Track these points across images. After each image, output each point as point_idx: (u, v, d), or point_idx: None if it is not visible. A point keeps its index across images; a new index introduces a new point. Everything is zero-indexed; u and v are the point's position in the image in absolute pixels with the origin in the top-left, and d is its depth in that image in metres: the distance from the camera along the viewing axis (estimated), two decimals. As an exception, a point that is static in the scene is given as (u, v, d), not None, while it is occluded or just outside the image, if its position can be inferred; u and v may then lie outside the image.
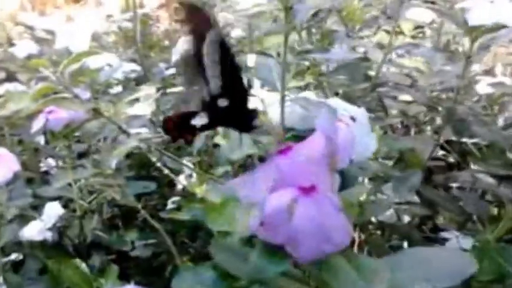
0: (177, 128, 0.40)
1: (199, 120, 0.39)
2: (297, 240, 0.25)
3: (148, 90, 0.61)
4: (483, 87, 0.63)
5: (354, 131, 0.36)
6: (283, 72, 0.39)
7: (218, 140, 0.48)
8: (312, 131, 0.28)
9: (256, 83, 0.51)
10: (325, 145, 0.26)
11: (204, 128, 0.39)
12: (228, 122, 0.40)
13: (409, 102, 0.64)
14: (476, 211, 0.53)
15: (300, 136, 0.37)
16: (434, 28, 0.66)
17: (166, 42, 1.43)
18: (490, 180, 0.53)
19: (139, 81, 1.03)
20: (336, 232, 0.26)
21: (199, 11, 0.36)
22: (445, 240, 0.61)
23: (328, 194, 0.26)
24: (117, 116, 0.60)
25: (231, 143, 0.41)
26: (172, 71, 1.04)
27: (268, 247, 0.26)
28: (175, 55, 0.83)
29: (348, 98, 0.55)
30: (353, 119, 0.38)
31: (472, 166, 0.56)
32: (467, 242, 0.65)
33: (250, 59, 0.43)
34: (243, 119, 0.39)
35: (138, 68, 1.07)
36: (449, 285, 0.26)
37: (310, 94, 0.44)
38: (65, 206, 0.68)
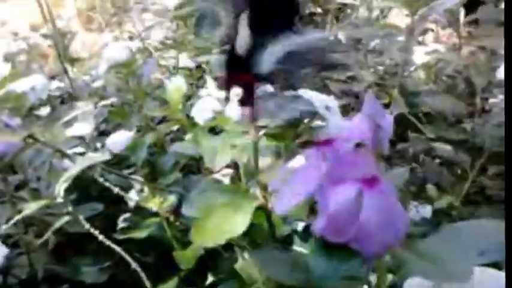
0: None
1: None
2: (365, 235, 0.24)
3: (85, 108, 0.57)
4: (419, 56, 0.64)
5: (332, 119, 0.35)
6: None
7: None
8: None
9: (211, 83, 0.49)
10: (374, 132, 0.24)
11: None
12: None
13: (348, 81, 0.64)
14: (437, 178, 0.54)
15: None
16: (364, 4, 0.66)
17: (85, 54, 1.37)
18: (447, 147, 0.54)
19: (65, 98, 0.97)
20: (400, 222, 0.25)
21: None
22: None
23: (388, 184, 0.24)
24: (56, 140, 0.56)
25: (208, 152, 0.38)
26: (99, 83, 0.99)
27: (326, 248, 0.25)
28: (103, 65, 0.79)
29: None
30: (328, 108, 0.37)
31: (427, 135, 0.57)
32: (427, 211, 0.67)
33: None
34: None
35: (61, 84, 1.01)
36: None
37: (268, 87, 0.42)
38: (5, 243, 0.62)
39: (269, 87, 0.42)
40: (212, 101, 0.48)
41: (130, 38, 1.41)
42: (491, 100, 0.64)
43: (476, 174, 0.52)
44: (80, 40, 1.54)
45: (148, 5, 1.59)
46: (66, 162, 0.60)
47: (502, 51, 0.59)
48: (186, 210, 0.42)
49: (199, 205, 0.42)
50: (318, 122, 0.39)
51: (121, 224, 0.64)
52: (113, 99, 0.85)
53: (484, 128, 0.56)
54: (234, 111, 0.44)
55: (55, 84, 0.98)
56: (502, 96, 0.59)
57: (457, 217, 0.59)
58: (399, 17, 0.74)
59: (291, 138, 0.40)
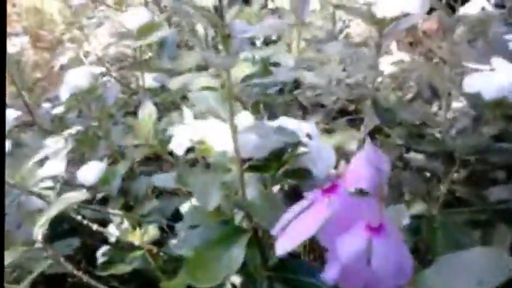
0: None
1: None
2: (376, 280, 0.25)
3: (56, 145, 0.55)
4: (385, 67, 0.65)
5: (314, 146, 0.35)
6: (229, 99, 0.36)
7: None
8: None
9: (189, 114, 0.48)
10: (375, 177, 0.25)
11: None
12: None
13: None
14: (414, 188, 0.55)
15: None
16: (327, 17, 0.67)
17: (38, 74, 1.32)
18: (419, 156, 0.56)
19: (22, 127, 0.94)
20: (407, 264, 0.25)
21: None
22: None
23: (393, 229, 0.25)
24: (26, 181, 0.54)
25: (199, 191, 0.37)
26: (60, 109, 0.96)
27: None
28: (65, 91, 0.76)
29: (270, 106, 0.54)
30: (309, 136, 0.37)
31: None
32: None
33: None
34: None
35: (18, 112, 0.98)
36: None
37: (246, 115, 0.42)
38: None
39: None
40: (189, 130, 0.47)
41: (86, 56, 1.38)
42: (454, 104, 0.66)
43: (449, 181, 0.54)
44: (31, 60, 1.49)
45: (102, 19, 1.56)
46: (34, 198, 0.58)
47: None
48: (176, 249, 0.41)
49: (189, 241, 0.42)
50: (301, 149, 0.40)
51: (100, 259, 0.63)
52: (76, 127, 0.82)
53: (451, 134, 0.58)
54: (217, 139, 0.44)
55: (11, 113, 0.94)
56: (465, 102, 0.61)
57: (437, 222, 0.60)
58: (361, 26, 0.76)
59: (276, 168, 0.40)
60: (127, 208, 0.70)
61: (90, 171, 0.68)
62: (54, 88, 1.07)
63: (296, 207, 0.27)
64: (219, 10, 0.33)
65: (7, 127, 0.75)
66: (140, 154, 0.66)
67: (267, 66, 0.45)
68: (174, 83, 0.43)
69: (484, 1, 0.66)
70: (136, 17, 0.74)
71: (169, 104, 0.82)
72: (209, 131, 0.44)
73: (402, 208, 0.31)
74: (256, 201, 0.39)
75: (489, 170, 0.60)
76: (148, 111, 0.66)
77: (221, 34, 0.34)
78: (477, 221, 0.54)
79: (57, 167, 0.54)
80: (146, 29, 0.74)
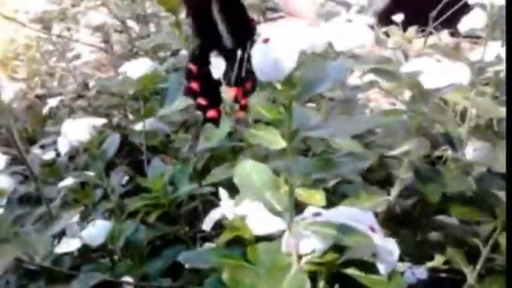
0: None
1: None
2: None
3: (70, 219, 0.51)
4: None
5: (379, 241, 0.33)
6: (290, 197, 0.33)
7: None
8: None
9: (225, 195, 0.45)
10: None
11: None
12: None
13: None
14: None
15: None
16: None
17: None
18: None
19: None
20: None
21: None
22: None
23: None
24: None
25: None
26: (51, 154, 0.91)
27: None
28: (64, 144, 0.71)
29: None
30: (372, 228, 0.35)
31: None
32: (421, 272, 0.66)
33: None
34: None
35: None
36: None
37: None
38: None
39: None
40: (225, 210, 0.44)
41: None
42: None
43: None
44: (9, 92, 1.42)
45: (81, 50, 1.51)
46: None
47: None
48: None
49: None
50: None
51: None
52: (72, 178, 0.77)
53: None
54: (258, 221, 0.41)
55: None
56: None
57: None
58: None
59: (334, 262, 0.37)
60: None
61: (96, 232, 0.63)
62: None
63: None
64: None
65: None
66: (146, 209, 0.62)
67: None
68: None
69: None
70: (138, 66, 0.71)
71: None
72: (252, 213, 0.41)
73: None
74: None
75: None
76: (158, 169, 0.62)
77: (288, 131, 0.31)
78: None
79: (73, 244, 0.49)
80: (147, 80, 0.71)
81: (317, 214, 0.37)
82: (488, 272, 0.53)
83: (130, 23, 0.99)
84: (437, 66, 0.43)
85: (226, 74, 0.39)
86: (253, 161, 0.37)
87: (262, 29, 0.32)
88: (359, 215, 0.37)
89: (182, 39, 0.55)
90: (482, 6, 0.55)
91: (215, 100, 0.40)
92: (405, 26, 0.98)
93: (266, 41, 0.29)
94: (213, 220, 0.45)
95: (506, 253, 0.52)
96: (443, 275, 0.63)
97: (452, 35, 0.97)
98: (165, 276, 0.66)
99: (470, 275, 0.53)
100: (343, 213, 0.36)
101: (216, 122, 0.41)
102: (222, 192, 0.44)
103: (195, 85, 0.40)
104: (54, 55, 1.45)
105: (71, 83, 1.41)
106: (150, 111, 0.70)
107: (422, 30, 0.96)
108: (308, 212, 0.37)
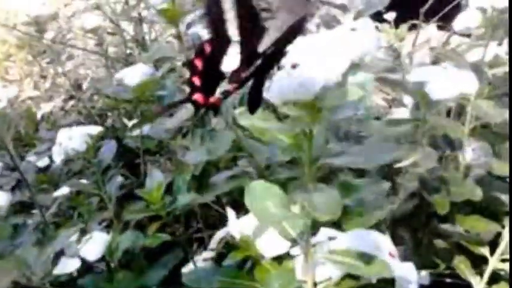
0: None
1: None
2: None
3: (68, 237, 0.49)
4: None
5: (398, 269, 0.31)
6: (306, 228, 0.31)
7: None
8: None
9: (232, 214, 0.43)
10: None
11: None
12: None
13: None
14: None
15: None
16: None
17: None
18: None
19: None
20: None
21: None
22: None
23: None
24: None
25: None
26: (45, 161, 0.89)
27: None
28: (59, 154, 0.70)
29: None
30: (391, 254, 0.33)
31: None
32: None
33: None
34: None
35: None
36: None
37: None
38: None
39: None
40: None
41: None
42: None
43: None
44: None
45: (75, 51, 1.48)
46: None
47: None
48: None
49: None
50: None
51: None
52: (67, 188, 0.76)
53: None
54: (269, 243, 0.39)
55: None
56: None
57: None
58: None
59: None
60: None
61: (94, 246, 0.62)
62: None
63: None
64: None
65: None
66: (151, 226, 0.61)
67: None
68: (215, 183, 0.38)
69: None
70: (136, 73, 0.69)
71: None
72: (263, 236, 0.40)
73: None
74: None
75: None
76: (156, 181, 0.61)
77: (308, 159, 0.29)
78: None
79: (72, 264, 0.48)
80: (144, 87, 0.69)
81: (332, 238, 0.35)
82: (493, 280, 0.52)
83: (125, 25, 0.97)
84: (444, 75, 0.42)
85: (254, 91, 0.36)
86: (263, 182, 0.35)
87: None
88: (377, 239, 0.35)
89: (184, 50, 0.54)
90: (482, 9, 0.54)
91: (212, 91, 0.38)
92: (397, 23, 0.97)
93: (294, 66, 0.28)
94: (220, 239, 0.44)
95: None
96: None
97: (440, 28, 0.96)
98: (163, 283, 0.65)
99: (477, 285, 0.52)
100: (361, 237, 0.35)
101: (216, 109, 0.38)
102: (230, 212, 0.43)
103: (197, 80, 0.38)
104: (47, 56, 1.43)
105: (64, 84, 1.38)
106: (149, 118, 0.68)
107: (413, 25, 0.95)
108: (322, 234, 0.36)
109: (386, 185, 0.40)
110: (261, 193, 0.34)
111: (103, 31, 1.05)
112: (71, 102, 1.30)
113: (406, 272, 0.34)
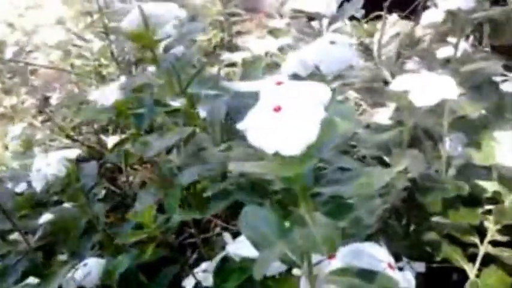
0: None
1: None
2: None
3: (65, 275, 0.48)
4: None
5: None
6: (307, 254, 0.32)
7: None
8: None
9: (228, 238, 0.43)
10: None
11: None
12: None
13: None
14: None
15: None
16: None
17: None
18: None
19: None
20: None
21: None
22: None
23: None
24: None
25: None
26: (23, 186, 0.87)
27: None
28: (38, 181, 0.68)
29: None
30: (390, 265, 0.34)
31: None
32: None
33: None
34: None
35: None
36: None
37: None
38: None
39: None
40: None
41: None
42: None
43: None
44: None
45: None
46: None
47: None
48: None
49: None
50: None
51: None
52: (50, 214, 0.75)
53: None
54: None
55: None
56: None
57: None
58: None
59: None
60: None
61: (90, 273, 0.61)
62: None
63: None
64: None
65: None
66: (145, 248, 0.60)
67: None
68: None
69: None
70: (111, 93, 0.68)
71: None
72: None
73: None
74: None
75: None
76: (148, 205, 0.60)
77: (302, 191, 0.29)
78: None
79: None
80: (122, 105, 0.68)
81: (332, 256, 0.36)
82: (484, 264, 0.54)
83: (90, 38, 0.95)
84: (425, 83, 0.43)
85: None
86: (258, 208, 0.35)
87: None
88: (375, 252, 0.36)
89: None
90: (451, 13, 0.55)
91: None
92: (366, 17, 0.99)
93: (278, 109, 0.28)
94: (217, 263, 0.44)
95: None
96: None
97: (402, 17, 0.98)
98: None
99: (471, 271, 0.54)
100: (359, 251, 0.36)
101: None
102: (227, 236, 0.43)
103: None
104: (10, 72, 1.38)
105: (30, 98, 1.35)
106: (132, 139, 0.67)
107: (377, 16, 0.97)
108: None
109: (378, 201, 0.40)
110: (256, 219, 0.34)
111: (66, 44, 1.03)
112: (40, 118, 1.27)
113: (406, 281, 0.35)
